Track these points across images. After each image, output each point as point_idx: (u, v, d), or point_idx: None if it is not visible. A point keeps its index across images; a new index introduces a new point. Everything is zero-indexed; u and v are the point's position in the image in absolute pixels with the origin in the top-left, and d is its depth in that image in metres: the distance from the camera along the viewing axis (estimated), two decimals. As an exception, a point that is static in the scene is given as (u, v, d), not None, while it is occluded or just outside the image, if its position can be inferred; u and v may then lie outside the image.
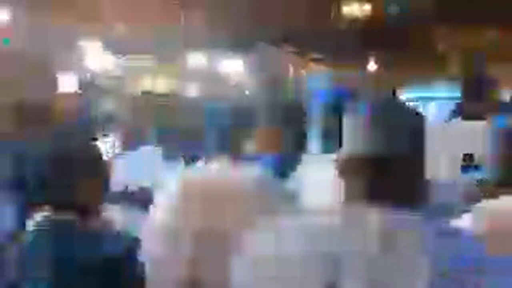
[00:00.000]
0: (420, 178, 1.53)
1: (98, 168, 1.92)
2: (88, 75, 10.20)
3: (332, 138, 3.09)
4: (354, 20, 12.34)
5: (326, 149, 3.13)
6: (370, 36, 12.61)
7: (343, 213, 1.51)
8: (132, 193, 3.55)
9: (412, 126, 1.54)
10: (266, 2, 11.83)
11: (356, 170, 1.53)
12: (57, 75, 8.68)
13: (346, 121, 1.57)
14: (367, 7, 12.16)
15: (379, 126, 1.51)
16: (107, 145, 3.82)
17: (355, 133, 1.54)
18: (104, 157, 2.01)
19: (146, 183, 3.45)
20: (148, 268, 2.30)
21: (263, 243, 1.51)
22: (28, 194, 1.86)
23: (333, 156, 3.14)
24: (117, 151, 3.84)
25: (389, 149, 1.48)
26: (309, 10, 11.96)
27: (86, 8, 10.95)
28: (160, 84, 13.23)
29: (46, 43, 10.06)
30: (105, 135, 3.91)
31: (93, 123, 3.87)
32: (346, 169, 1.55)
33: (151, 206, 2.53)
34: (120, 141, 3.86)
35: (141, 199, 3.31)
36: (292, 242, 1.46)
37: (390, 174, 1.49)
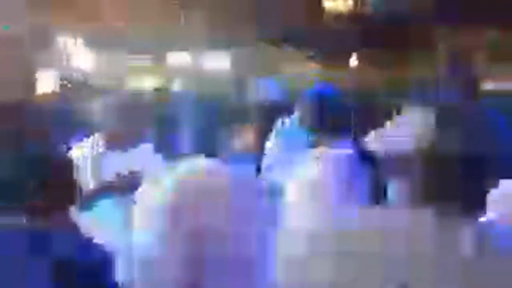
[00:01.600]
0: (487, 179, 1.50)
1: (64, 172, 1.93)
2: (81, 74, 10.22)
3: (314, 135, 3.13)
4: (338, 16, 12.35)
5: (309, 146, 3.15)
6: (367, 35, 12.63)
7: (410, 214, 1.46)
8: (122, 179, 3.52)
9: (486, 127, 1.50)
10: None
11: (424, 170, 1.49)
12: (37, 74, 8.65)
13: (412, 119, 1.51)
14: (350, 2, 12.18)
15: (454, 126, 1.46)
16: (83, 149, 3.71)
17: (424, 132, 1.48)
18: (76, 160, 2.02)
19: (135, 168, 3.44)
20: (143, 268, 2.32)
21: (325, 243, 1.48)
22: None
23: (316, 152, 3.18)
24: (100, 150, 3.76)
25: (462, 149, 1.42)
26: (300, 8, 12.00)
27: (86, 8, 10.97)
28: (152, 84, 13.26)
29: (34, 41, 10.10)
30: (80, 140, 3.79)
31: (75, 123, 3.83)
32: (412, 169, 1.50)
33: (139, 201, 2.52)
34: (104, 140, 3.77)
35: (130, 184, 3.30)
36: (356, 242, 1.44)
37: (461, 175, 1.46)
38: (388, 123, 4.45)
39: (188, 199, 2.46)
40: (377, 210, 1.52)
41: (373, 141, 4.38)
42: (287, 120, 4.60)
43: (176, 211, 2.44)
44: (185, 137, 2.39)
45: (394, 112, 4.44)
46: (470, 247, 1.38)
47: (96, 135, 3.77)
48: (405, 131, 4.12)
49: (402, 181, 1.56)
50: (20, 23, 9.77)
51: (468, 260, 1.38)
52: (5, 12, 9.59)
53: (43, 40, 10.45)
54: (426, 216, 1.43)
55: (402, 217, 1.46)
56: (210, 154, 2.53)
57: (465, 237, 1.39)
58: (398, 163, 1.54)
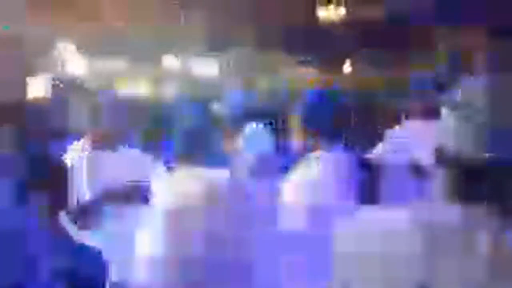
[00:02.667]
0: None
1: (57, 175, 1.92)
2: (78, 78, 10.23)
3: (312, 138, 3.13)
4: (332, 23, 12.40)
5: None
6: (364, 37, 12.66)
7: (440, 213, 1.45)
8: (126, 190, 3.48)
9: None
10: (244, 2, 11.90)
11: (459, 171, 1.47)
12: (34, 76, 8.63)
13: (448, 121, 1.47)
14: (343, 11, 12.23)
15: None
16: (73, 153, 3.65)
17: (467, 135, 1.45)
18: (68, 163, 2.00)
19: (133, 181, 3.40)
20: (148, 271, 2.32)
21: (349, 241, 1.47)
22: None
23: (315, 154, 3.18)
24: (87, 152, 3.67)
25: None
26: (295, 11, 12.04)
27: (85, 8, 10.97)
28: (142, 86, 13.27)
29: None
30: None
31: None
32: (449, 169, 1.48)
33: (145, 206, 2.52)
34: (91, 141, 3.70)
35: (131, 193, 3.27)
36: (380, 241, 1.42)
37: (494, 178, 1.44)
38: (397, 127, 4.46)
39: (189, 204, 2.47)
40: (399, 210, 1.50)
41: (383, 144, 4.40)
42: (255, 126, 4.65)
43: (178, 216, 2.44)
44: (176, 138, 2.39)
45: (403, 117, 4.45)
46: (490, 246, 1.37)
47: (85, 137, 3.69)
48: (414, 136, 4.13)
49: (428, 181, 1.55)
50: (20, 23, 9.77)
51: (488, 260, 1.37)
52: (5, 12, 9.58)
53: (40, 42, 10.46)
54: (453, 215, 1.43)
55: (425, 217, 1.45)
56: (201, 156, 2.52)
57: (486, 237, 1.39)
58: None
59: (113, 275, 2.01)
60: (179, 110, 2.56)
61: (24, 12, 9.83)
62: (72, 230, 2.02)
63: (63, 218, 1.94)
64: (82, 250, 1.88)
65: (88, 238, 2.07)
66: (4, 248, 1.81)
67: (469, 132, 1.44)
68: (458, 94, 1.49)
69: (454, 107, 1.48)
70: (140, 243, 2.46)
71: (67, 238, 1.90)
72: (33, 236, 1.82)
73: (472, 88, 1.47)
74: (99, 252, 1.92)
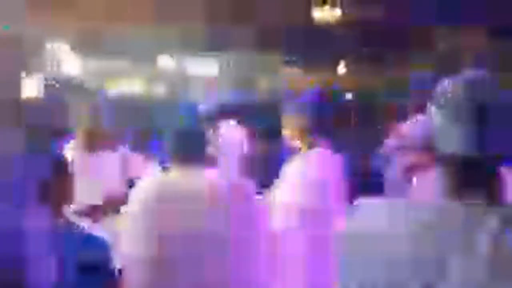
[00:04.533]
0: None
1: (61, 170, 1.93)
2: (78, 78, 10.25)
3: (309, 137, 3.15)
4: (329, 25, 12.43)
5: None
6: (367, 36, 12.69)
7: (448, 212, 1.44)
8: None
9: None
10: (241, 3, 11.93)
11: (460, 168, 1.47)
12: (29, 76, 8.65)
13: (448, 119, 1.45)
14: (338, 12, 12.26)
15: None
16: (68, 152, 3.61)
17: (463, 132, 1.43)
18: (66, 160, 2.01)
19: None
20: (126, 269, 2.33)
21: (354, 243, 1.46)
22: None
23: (310, 153, 3.17)
24: (76, 153, 3.59)
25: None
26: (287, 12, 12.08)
27: (84, 8, 10.99)
28: (136, 86, 13.32)
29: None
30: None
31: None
32: (448, 167, 1.47)
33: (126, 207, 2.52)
34: (81, 143, 3.65)
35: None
36: (380, 241, 1.42)
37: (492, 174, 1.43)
38: (396, 126, 4.48)
39: (171, 203, 2.48)
40: (402, 206, 1.49)
41: (382, 144, 4.41)
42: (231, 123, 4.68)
43: (167, 215, 2.45)
44: (171, 138, 2.40)
45: (403, 116, 4.47)
46: (490, 246, 1.37)
47: (77, 136, 3.65)
48: (412, 136, 4.14)
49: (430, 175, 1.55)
50: (20, 23, 9.78)
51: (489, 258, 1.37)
52: (5, 12, 9.59)
53: (39, 41, 10.48)
54: (453, 212, 1.42)
55: (429, 215, 1.44)
56: (193, 155, 2.52)
57: (486, 237, 1.38)
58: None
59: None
60: (175, 110, 2.56)
61: (24, 12, 9.84)
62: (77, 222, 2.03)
63: (68, 214, 1.95)
64: (88, 239, 1.89)
65: (93, 230, 2.08)
66: (9, 246, 1.82)
67: (464, 131, 1.44)
68: (449, 93, 1.48)
69: (444, 105, 1.47)
70: (134, 242, 2.46)
71: (73, 230, 1.91)
72: (36, 234, 1.83)
73: (464, 87, 1.46)
74: (105, 241, 1.93)
